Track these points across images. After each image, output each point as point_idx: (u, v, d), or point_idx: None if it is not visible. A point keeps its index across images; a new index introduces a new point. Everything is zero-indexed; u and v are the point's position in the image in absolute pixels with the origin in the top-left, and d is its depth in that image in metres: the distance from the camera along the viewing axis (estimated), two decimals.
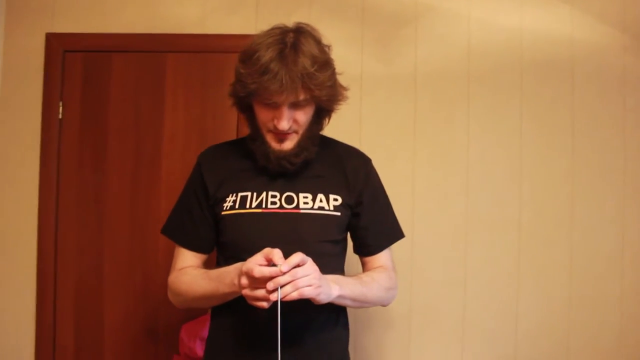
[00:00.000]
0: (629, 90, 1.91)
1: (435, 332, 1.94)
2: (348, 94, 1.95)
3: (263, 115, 1.19)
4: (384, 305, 1.32)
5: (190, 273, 1.24)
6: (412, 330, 1.94)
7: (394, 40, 2.00)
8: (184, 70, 2.04)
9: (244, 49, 1.17)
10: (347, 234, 1.31)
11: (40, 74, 2.05)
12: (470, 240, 1.94)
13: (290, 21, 2.02)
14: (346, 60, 1.98)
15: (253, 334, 1.17)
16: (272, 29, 1.19)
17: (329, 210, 1.23)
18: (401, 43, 2.00)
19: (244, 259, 1.06)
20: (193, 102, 2.03)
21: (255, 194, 1.23)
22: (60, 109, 2.04)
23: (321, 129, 1.29)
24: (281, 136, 1.19)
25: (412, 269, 1.95)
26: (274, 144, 1.20)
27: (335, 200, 1.24)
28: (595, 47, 1.93)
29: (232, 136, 1.98)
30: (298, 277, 0.99)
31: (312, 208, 1.22)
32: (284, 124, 1.15)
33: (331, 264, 1.21)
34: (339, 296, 1.12)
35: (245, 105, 1.23)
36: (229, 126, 2.01)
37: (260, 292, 0.99)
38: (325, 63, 1.16)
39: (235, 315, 1.21)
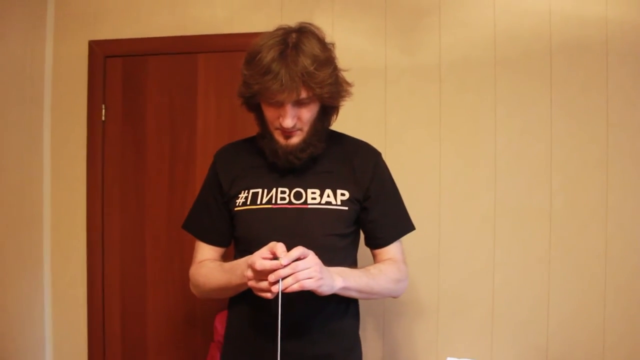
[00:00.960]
0: None
1: (464, 322, 1.93)
2: (373, 85, 2.00)
3: (269, 113, 1.24)
4: (394, 297, 1.34)
5: (207, 266, 1.32)
6: (440, 321, 1.95)
7: (417, 29, 1.99)
8: (214, 70, 2.12)
9: (248, 51, 1.21)
10: (356, 228, 1.34)
11: (84, 79, 2.21)
12: (498, 230, 1.91)
13: (313, 15, 2.07)
14: (370, 52, 2.01)
15: (265, 321, 1.23)
16: (276, 29, 1.22)
17: (336, 205, 1.26)
18: (425, 32, 1.98)
19: (254, 252, 1.12)
20: (223, 100, 2.11)
21: (265, 190, 1.28)
22: (103, 111, 2.18)
23: (329, 124, 1.33)
24: (287, 133, 1.23)
25: (440, 259, 1.95)
26: (281, 141, 1.25)
27: (343, 195, 1.28)
28: (631, 25, 1.82)
29: None
30: (298, 270, 1.04)
31: (319, 203, 1.26)
32: (288, 122, 1.20)
33: (339, 257, 1.25)
34: (343, 288, 1.15)
35: (254, 104, 1.28)
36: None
37: (264, 284, 1.05)
38: (325, 61, 1.19)
39: (250, 304, 1.27)
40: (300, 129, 1.24)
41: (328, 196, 1.27)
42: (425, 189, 1.97)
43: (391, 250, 1.33)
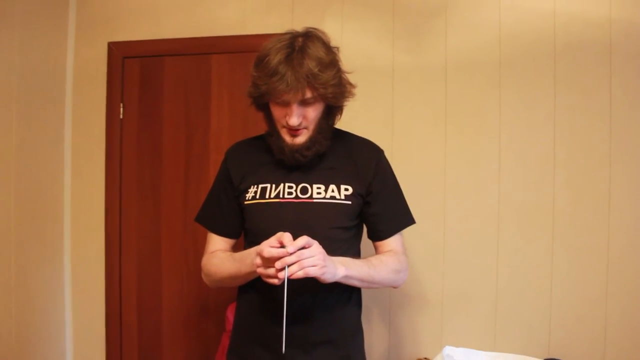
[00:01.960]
0: None
1: (468, 316, 1.98)
2: (381, 85, 2.06)
3: (277, 112, 1.31)
4: (394, 287, 1.41)
5: (219, 256, 1.40)
6: (444, 314, 2.00)
7: (424, 31, 2.04)
8: (227, 70, 2.20)
9: (257, 54, 1.29)
10: (359, 221, 1.41)
11: (103, 79, 2.30)
12: (502, 227, 1.96)
13: (324, 17, 2.13)
14: (378, 53, 2.07)
15: (272, 308, 1.30)
16: (284, 34, 1.30)
17: (340, 199, 1.33)
18: (431, 33, 2.03)
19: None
20: (236, 99, 2.18)
21: (273, 185, 1.36)
22: (121, 110, 2.27)
23: (333, 123, 1.40)
24: (293, 132, 1.31)
25: (445, 254, 2.00)
26: (288, 139, 1.32)
27: (347, 190, 1.35)
28: (635, 26, 1.85)
29: None
30: (303, 258, 1.11)
31: (324, 198, 1.33)
32: (293, 120, 1.27)
33: (343, 248, 1.32)
34: (346, 276, 1.22)
35: (262, 104, 1.35)
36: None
37: (271, 271, 1.12)
38: (329, 63, 1.26)
39: (258, 292, 1.35)
40: (306, 128, 1.31)
41: (332, 191, 1.34)
42: (431, 186, 2.02)
43: (392, 243, 1.40)
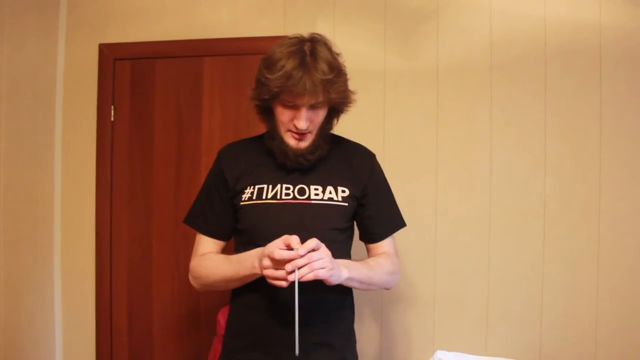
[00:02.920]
0: None
1: (460, 319, 1.99)
2: (372, 89, 2.07)
3: (284, 116, 1.31)
4: (387, 289, 1.42)
5: (212, 258, 1.39)
6: (435, 317, 2.00)
7: (416, 35, 2.05)
8: (219, 73, 2.19)
9: (266, 58, 1.29)
10: (353, 223, 1.42)
11: (94, 81, 2.29)
12: (493, 230, 1.97)
13: (316, 20, 2.13)
14: (370, 57, 2.08)
15: (274, 310, 1.30)
16: (290, 38, 1.30)
17: (338, 200, 1.34)
18: (423, 38, 2.04)
19: (259, 245, 1.21)
20: (228, 102, 2.18)
21: (270, 186, 1.35)
22: (112, 112, 2.26)
23: (331, 128, 1.41)
24: (299, 135, 1.31)
25: (436, 257, 2.01)
26: (292, 142, 1.32)
27: (343, 191, 1.36)
28: (625, 31, 1.87)
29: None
30: (313, 260, 1.11)
31: (322, 199, 1.34)
32: (302, 124, 1.28)
33: (338, 250, 1.32)
34: (348, 278, 1.23)
35: (265, 107, 1.35)
36: (261, 123, 2.14)
37: (280, 273, 1.12)
38: (339, 69, 1.28)
39: (255, 294, 1.33)
40: (310, 132, 1.32)
41: (330, 192, 1.35)
42: (423, 189, 2.03)
43: (385, 245, 1.41)
